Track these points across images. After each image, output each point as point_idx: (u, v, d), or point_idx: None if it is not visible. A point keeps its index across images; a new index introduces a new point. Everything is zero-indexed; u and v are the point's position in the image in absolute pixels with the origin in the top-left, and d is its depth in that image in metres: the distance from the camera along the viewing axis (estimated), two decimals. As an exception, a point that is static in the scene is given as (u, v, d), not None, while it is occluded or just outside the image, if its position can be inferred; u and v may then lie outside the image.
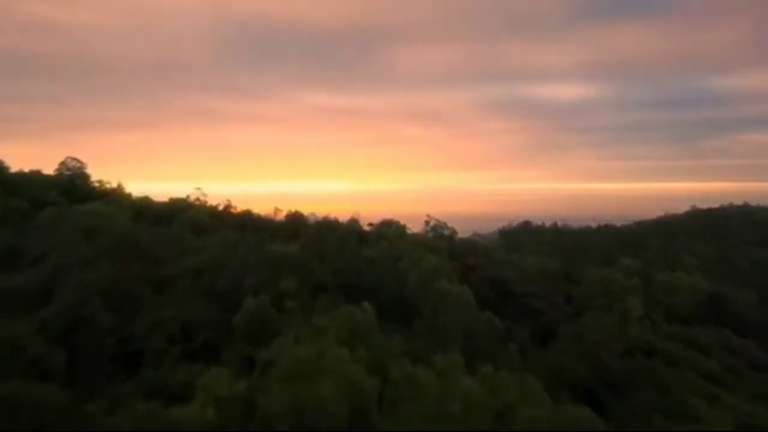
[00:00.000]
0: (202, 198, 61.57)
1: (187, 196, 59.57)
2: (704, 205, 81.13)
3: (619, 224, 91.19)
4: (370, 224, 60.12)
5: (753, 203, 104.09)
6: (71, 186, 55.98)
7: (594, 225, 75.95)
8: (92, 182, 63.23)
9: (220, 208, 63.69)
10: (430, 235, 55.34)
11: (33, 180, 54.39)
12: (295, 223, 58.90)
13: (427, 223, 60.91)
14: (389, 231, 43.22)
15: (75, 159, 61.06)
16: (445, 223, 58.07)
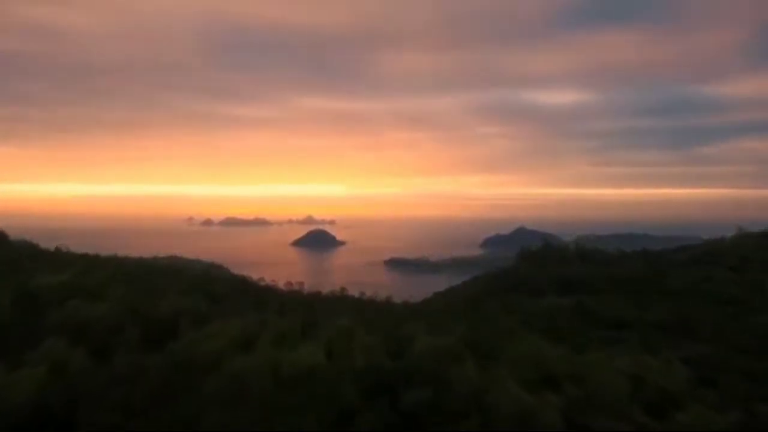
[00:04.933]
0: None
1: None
2: (751, 226, 65.84)
3: (654, 244, 77.74)
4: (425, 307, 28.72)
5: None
6: None
7: (621, 244, 63.72)
8: None
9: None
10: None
11: None
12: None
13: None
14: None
15: None
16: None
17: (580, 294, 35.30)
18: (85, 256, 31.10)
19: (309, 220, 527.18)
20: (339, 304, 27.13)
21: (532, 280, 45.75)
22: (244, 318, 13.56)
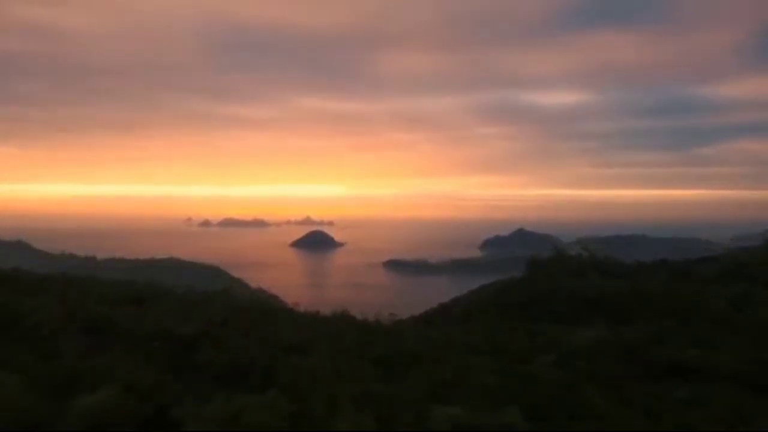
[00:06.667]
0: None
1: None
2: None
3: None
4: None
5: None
6: None
7: (642, 256, 59.81)
8: None
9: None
10: None
11: None
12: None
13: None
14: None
15: None
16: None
17: (608, 317, 30.94)
18: (49, 279, 26.53)
19: (308, 221, 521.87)
20: (339, 338, 22.70)
21: (548, 297, 41.25)
22: (209, 407, 9.22)
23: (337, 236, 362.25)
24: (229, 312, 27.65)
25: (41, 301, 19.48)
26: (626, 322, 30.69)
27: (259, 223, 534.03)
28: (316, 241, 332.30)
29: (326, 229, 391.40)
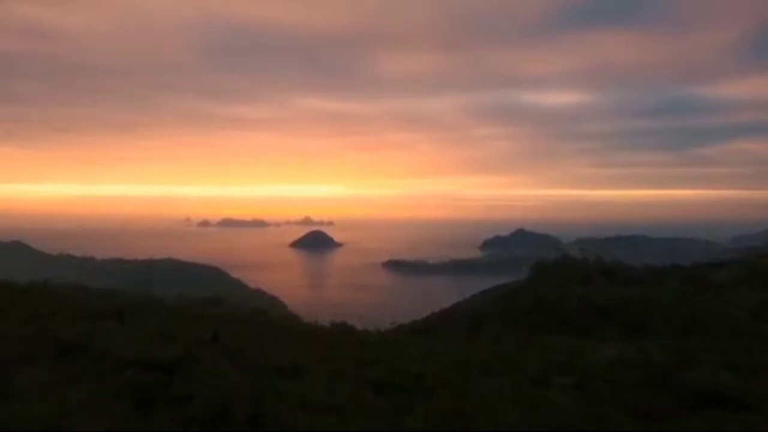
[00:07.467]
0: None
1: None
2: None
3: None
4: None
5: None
6: None
7: (652, 259, 58.30)
8: None
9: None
10: None
11: None
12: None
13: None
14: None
15: None
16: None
17: (620, 328, 28.99)
18: (29, 290, 24.55)
19: (307, 221, 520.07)
20: (338, 355, 20.77)
21: (555, 304, 39.14)
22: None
23: (337, 236, 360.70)
24: (222, 325, 25.63)
25: (10, 320, 17.70)
26: (640, 333, 28.87)
27: (258, 224, 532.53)
28: (315, 242, 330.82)
29: (326, 230, 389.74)
